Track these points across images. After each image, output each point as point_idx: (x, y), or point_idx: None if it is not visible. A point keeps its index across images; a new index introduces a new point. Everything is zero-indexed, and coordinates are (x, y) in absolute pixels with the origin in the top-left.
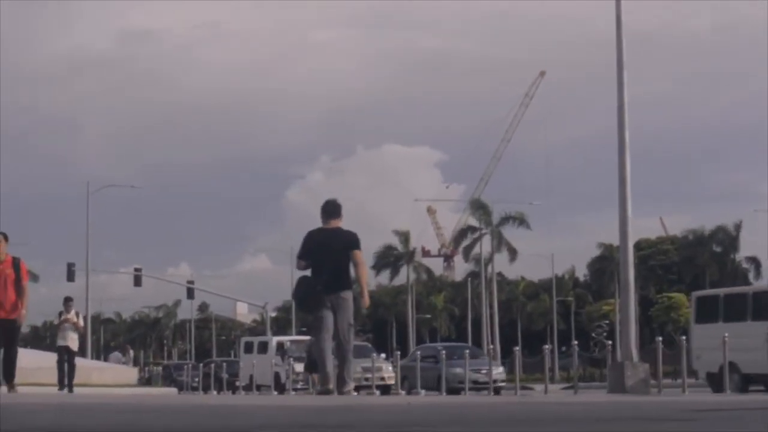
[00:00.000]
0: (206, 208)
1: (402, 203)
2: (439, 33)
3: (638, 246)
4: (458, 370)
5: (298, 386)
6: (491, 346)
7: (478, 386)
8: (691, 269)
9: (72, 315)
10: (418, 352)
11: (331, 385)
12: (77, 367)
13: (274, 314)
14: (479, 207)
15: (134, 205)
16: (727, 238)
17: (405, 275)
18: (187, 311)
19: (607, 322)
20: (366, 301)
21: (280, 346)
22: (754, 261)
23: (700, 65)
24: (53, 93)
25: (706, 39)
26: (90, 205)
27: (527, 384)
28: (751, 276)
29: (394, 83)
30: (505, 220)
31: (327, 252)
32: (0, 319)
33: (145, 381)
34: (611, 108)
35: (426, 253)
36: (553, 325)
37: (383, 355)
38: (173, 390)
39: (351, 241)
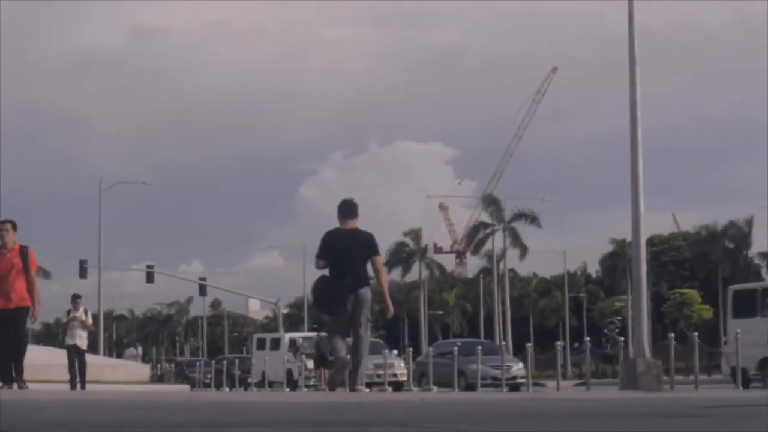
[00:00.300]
0: (218, 204)
1: (414, 200)
2: (451, 29)
3: (650, 242)
4: (476, 366)
5: (311, 383)
6: (503, 343)
7: (497, 383)
8: (704, 265)
9: (80, 313)
10: (432, 349)
11: (345, 371)
12: (90, 363)
13: (286, 311)
14: (491, 203)
15: (146, 202)
16: (739, 234)
17: (417, 272)
18: (200, 308)
19: (619, 318)
20: (390, 309)
21: (293, 342)
22: (767, 257)
23: (711, 62)
24: (65, 90)
25: (718, 35)
26: (102, 202)
27: (539, 380)
28: (763, 272)
29: (407, 80)
30: (518, 216)
31: (346, 252)
32: (6, 309)
33: (158, 378)
34: (623, 104)
35: (438, 250)
36: (565, 322)
37: (395, 352)
38: (185, 387)
39: (370, 245)
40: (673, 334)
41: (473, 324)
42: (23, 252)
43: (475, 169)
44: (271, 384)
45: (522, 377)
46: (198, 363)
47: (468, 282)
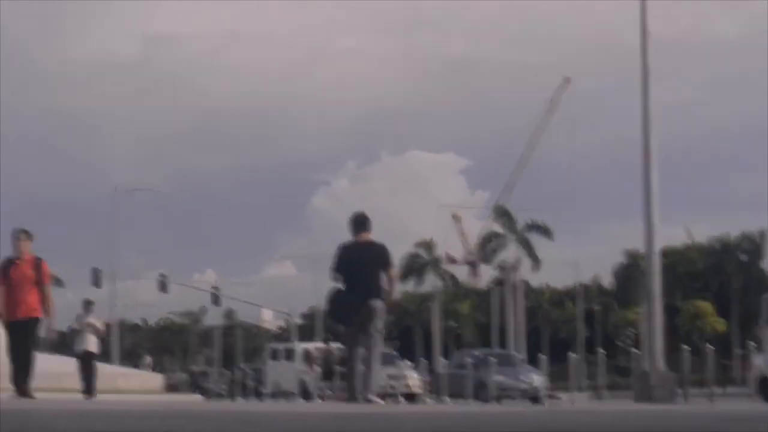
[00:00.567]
0: (232, 213)
1: (427, 210)
2: (464, 39)
3: (664, 254)
4: (499, 377)
5: (324, 393)
6: (516, 356)
7: (519, 394)
8: (717, 277)
9: (92, 318)
10: (452, 360)
11: (358, 398)
12: (103, 372)
13: (299, 321)
14: (503, 214)
15: (160, 211)
16: (753, 246)
17: (430, 282)
18: (213, 318)
19: (632, 330)
20: (391, 302)
21: (307, 353)
22: None
23: (725, 71)
24: (79, 97)
25: (733, 45)
26: (116, 210)
27: (553, 392)
28: None
29: (420, 89)
30: (530, 227)
31: (360, 265)
32: (18, 320)
33: (171, 388)
34: (636, 114)
35: (451, 261)
36: (578, 333)
37: (409, 363)
38: (199, 396)
39: (384, 257)
40: (686, 347)
41: (486, 335)
42: (37, 263)
43: (488, 179)
44: (284, 394)
45: (543, 389)
46: (211, 373)
47: (481, 293)
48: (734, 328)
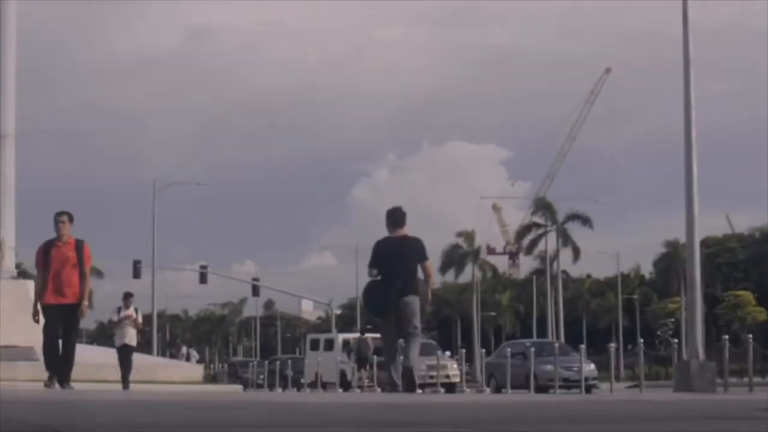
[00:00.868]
0: (272, 205)
1: (467, 201)
2: (505, 30)
3: (704, 244)
4: (548, 367)
5: (366, 384)
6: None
7: (569, 384)
8: (758, 267)
9: (131, 311)
10: (508, 349)
11: (400, 390)
12: (143, 363)
13: (339, 312)
14: (543, 205)
15: (200, 203)
16: None
17: (470, 273)
18: (253, 309)
19: (672, 320)
20: (428, 297)
21: (346, 343)
22: None
23: (765, 60)
24: (120, 91)
25: None
26: (157, 202)
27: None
28: None
29: (460, 80)
30: (571, 217)
31: (397, 260)
32: (60, 305)
33: (211, 378)
34: (677, 104)
35: (491, 251)
36: (618, 323)
37: (448, 353)
38: (238, 387)
39: (419, 251)
40: (727, 336)
41: (526, 325)
42: (78, 246)
43: (528, 170)
44: (324, 385)
45: (594, 378)
46: (251, 363)
47: (521, 283)
48: None
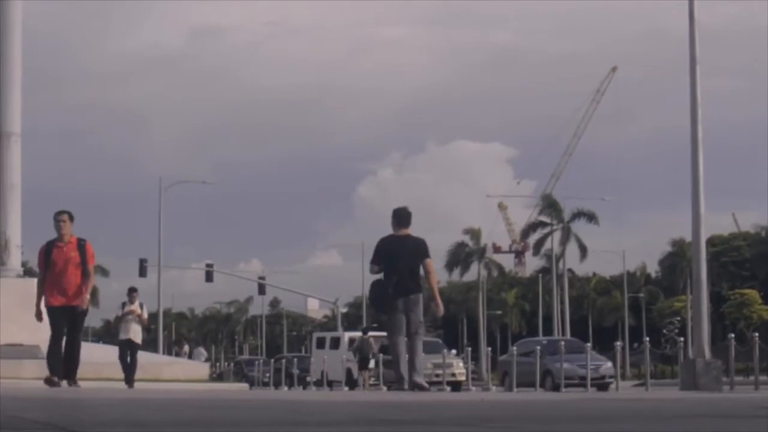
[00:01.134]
0: (278, 203)
1: (473, 199)
2: (510, 28)
3: (710, 242)
4: (565, 365)
5: (370, 382)
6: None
7: (585, 382)
8: (764, 266)
9: (136, 306)
10: (516, 347)
11: (406, 386)
12: (148, 361)
13: (345, 310)
14: (549, 203)
15: (206, 202)
16: None
17: (476, 271)
18: (259, 307)
19: (678, 318)
20: (440, 308)
21: (353, 341)
22: None
23: None
24: (124, 90)
25: None
26: (162, 201)
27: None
28: None
29: (465, 79)
30: (577, 215)
31: (399, 258)
32: (63, 306)
33: (217, 377)
34: (683, 102)
35: (497, 250)
36: (624, 322)
37: (454, 351)
38: (244, 385)
39: (421, 249)
40: (733, 335)
41: (532, 324)
42: (81, 245)
43: (534, 168)
44: (330, 383)
45: (611, 377)
46: (257, 362)
47: (527, 282)
48: None
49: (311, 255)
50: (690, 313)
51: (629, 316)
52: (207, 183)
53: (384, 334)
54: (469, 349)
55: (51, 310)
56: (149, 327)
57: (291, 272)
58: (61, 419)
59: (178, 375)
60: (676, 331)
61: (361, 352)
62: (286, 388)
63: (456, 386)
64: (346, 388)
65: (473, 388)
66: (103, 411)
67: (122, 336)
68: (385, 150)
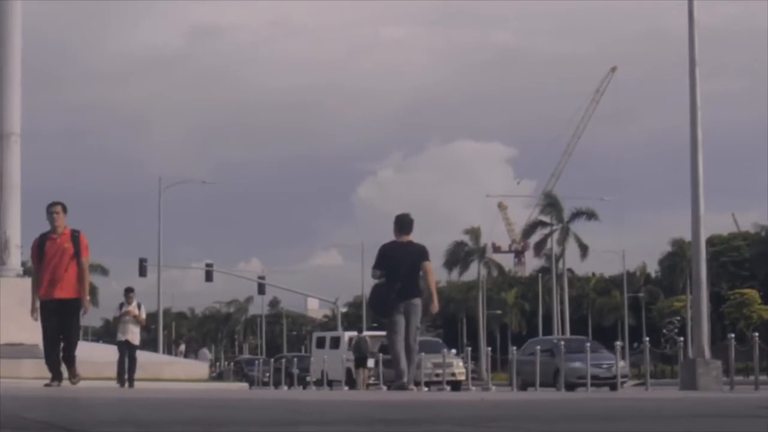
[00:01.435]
0: (278, 203)
1: (473, 199)
2: (511, 29)
3: (710, 242)
4: (577, 364)
5: (370, 381)
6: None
7: (599, 382)
8: (764, 265)
9: (133, 307)
10: (527, 346)
11: (405, 379)
12: (148, 361)
13: (345, 310)
14: (550, 203)
15: (206, 201)
16: None
17: (475, 271)
18: (259, 307)
19: (678, 318)
20: (436, 306)
21: (352, 341)
22: None
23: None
24: (124, 90)
25: None
26: (162, 200)
27: None
28: None
29: (466, 79)
30: (576, 215)
31: (401, 264)
32: (57, 299)
33: (217, 376)
34: (682, 102)
35: (497, 249)
36: (623, 321)
37: (454, 351)
38: (244, 385)
39: (422, 254)
40: (732, 335)
41: (532, 323)
42: (75, 236)
43: (534, 168)
44: (330, 383)
45: (624, 376)
46: (257, 361)
47: (526, 281)
48: None
49: (311, 255)
50: (690, 313)
51: (629, 316)
52: (207, 183)
53: (381, 333)
54: (469, 348)
55: (44, 304)
56: (149, 327)
57: (291, 272)
58: (61, 419)
59: (178, 374)
60: (676, 330)
61: (358, 351)
62: (286, 388)
63: (456, 386)
64: (346, 388)
65: (473, 388)
66: (103, 410)
67: (120, 337)
68: (386, 150)
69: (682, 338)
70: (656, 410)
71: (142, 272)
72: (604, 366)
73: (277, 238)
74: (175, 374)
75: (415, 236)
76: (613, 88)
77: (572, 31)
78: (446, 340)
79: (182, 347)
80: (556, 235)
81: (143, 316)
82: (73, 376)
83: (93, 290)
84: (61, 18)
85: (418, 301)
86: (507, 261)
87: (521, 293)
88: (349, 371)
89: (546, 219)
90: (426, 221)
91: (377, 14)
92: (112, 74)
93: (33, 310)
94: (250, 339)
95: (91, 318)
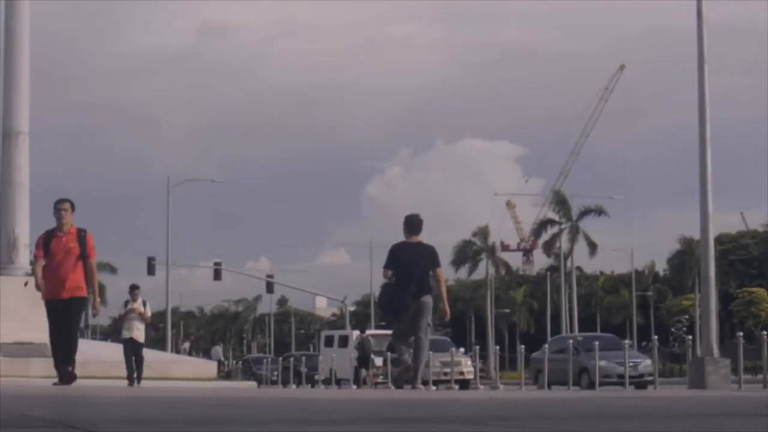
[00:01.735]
0: (286, 202)
1: (481, 197)
2: (519, 26)
3: (719, 240)
4: (602, 362)
5: (378, 380)
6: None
7: (623, 380)
8: None
9: (138, 304)
10: (549, 344)
11: (411, 372)
12: (157, 360)
13: (353, 308)
14: (559, 201)
15: (214, 200)
16: None
17: (483, 269)
18: (267, 305)
19: (686, 317)
20: (447, 313)
21: (356, 340)
22: None
23: None
24: (133, 89)
25: None
26: (170, 199)
27: None
28: None
29: (474, 77)
30: (585, 213)
31: (411, 265)
32: (63, 299)
33: (225, 375)
34: (691, 100)
35: (505, 248)
36: (632, 320)
37: (462, 350)
38: (252, 384)
39: (432, 257)
40: (741, 333)
41: (540, 322)
42: (81, 236)
43: (542, 166)
44: (338, 381)
45: (650, 375)
46: (265, 360)
47: (535, 280)
48: None
49: (319, 253)
50: (698, 312)
51: (637, 315)
52: (215, 181)
53: (386, 332)
54: (477, 347)
55: (47, 303)
56: (157, 326)
57: (299, 270)
58: (69, 417)
59: (187, 373)
60: (685, 329)
61: (361, 350)
62: (294, 387)
63: (464, 384)
64: (355, 387)
65: (481, 387)
66: (112, 409)
67: (125, 335)
68: (393, 148)
69: (690, 337)
70: (665, 409)
71: (151, 271)
72: (632, 364)
73: (285, 236)
74: (183, 373)
75: (423, 234)
76: (622, 86)
77: (581, 29)
78: (454, 339)
79: (185, 345)
80: (565, 233)
81: (149, 313)
82: (72, 378)
83: (101, 289)
84: (68, 17)
85: (428, 299)
86: (515, 259)
87: (530, 292)
88: (357, 370)
89: (555, 217)
90: (434, 219)
91: (385, 12)
92: (120, 73)
93: (38, 284)
94: (259, 338)
95: (99, 317)
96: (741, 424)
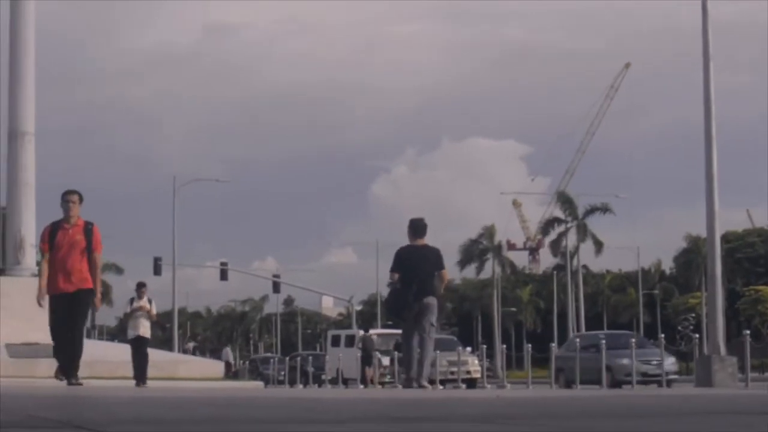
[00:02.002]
0: (292, 201)
1: (487, 196)
2: (524, 25)
3: (725, 238)
4: (625, 361)
5: (385, 379)
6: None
7: (646, 379)
8: None
9: (144, 302)
10: (577, 341)
11: (412, 374)
12: (164, 360)
13: (359, 308)
14: (564, 199)
15: (220, 200)
16: None
17: (490, 269)
18: (273, 305)
19: (693, 315)
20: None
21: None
22: None
23: None
24: (138, 88)
25: None
26: (176, 199)
27: None
28: None
29: (479, 76)
30: (591, 211)
31: (417, 267)
32: (65, 293)
33: (232, 375)
34: (696, 98)
35: (511, 247)
36: (638, 318)
37: (469, 349)
38: (259, 383)
39: (437, 259)
40: (748, 331)
41: (547, 321)
42: (88, 228)
43: (548, 165)
44: (345, 381)
45: (675, 373)
46: (272, 360)
47: (541, 279)
48: None
49: (326, 253)
50: (705, 310)
51: (644, 313)
52: (221, 181)
53: (390, 331)
54: (484, 346)
55: (51, 297)
56: (164, 325)
57: (305, 270)
58: (76, 417)
59: (194, 373)
60: (691, 327)
61: (364, 349)
62: (301, 386)
63: (471, 384)
64: (361, 386)
65: (488, 386)
66: (118, 409)
67: (131, 333)
68: (399, 147)
69: (697, 335)
70: (673, 407)
71: (157, 271)
72: (654, 363)
73: (291, 236)
74: (190, 373)
75: (429, 234)
76: (627, 84)
77: (586, 27)
78: (461, 338)
79: (190, 345)
80: (570, 232)
81: (154, 311)
82: (75, 378)
83: (107, 289)
84: (73, 16)
85: (432, 299)
86: (521, 258)
87: (536, 290)
88: (363, 369)
89: (561, 216)
90: (440, 218)
91: (390, 11)
92: (124, 72)
93: (40, 296)
94: (265, 337)
95: (105, 317)
96: (748, 422)
